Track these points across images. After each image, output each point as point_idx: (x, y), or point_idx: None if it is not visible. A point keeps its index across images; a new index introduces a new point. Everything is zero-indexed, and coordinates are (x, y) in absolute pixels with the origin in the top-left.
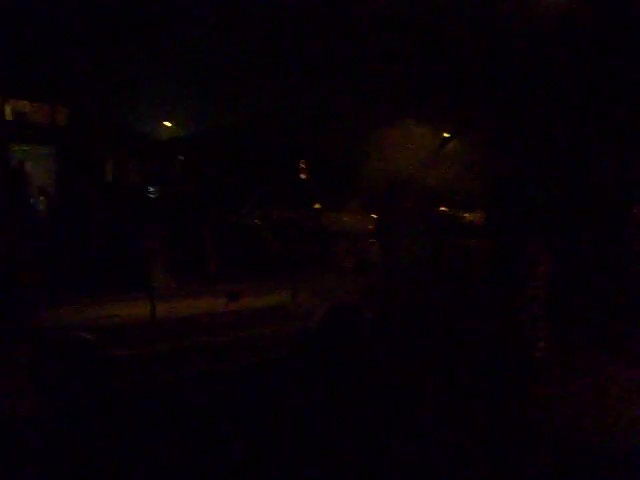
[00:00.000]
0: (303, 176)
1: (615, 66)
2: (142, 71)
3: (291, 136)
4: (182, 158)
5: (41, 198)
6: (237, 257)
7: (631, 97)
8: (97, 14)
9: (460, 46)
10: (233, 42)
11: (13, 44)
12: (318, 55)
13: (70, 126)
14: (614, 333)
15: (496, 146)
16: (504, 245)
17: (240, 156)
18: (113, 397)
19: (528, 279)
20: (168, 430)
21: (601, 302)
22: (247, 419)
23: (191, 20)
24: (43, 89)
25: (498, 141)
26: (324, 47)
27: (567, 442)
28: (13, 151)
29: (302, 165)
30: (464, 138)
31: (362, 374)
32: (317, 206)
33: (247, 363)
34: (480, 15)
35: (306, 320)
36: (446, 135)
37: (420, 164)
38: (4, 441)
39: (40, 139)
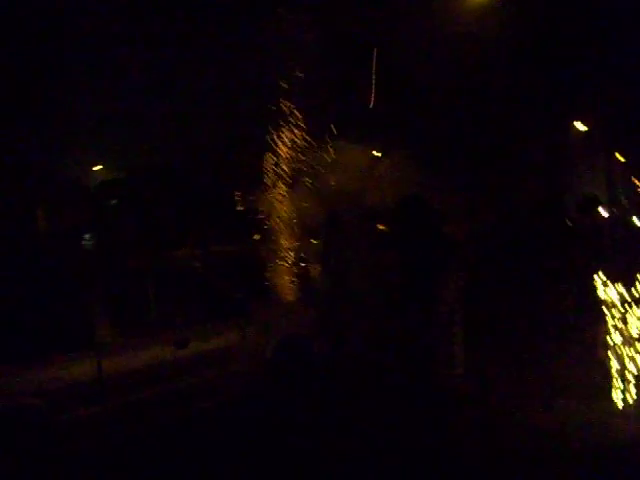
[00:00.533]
0: (240, 207)
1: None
2: (69, 114)
3: (224, 167)
4: (115, 202)
5: None
6: (181, 302)
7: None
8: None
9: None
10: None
11: None
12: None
13: None
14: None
15: (420, 165)
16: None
17: (175, 195)
18: (64, 461)
19: (440, 304)
20: None
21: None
22: (201, 467)
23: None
24: None
25: (422, 161)
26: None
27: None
28: None
29: (237, 197)
30: (394, 157)
31: (315, 407)
32: (256, 237)
33: (200, 408)
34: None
35: (257, 357)
36: (377, 154)
37: (354, 184)
38: None
39: None
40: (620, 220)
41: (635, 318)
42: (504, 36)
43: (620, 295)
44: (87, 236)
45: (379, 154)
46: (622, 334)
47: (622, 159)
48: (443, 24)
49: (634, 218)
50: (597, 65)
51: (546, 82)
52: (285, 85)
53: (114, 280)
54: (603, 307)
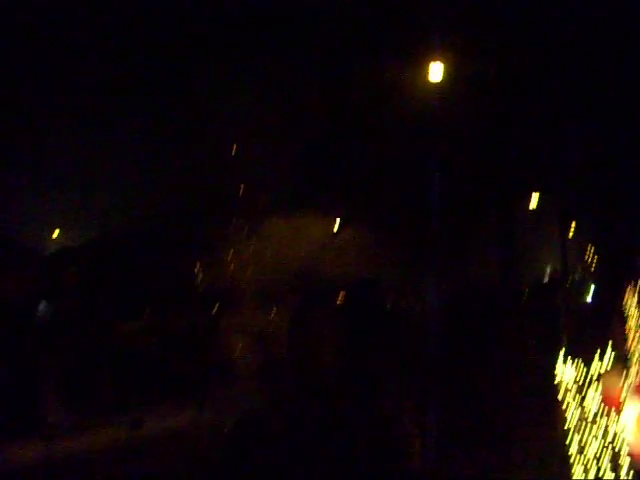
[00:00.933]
0: (199, 277)
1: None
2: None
3: (183, 234)
4: (74, 269)
5: None
6: (136, 381)
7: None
8: None
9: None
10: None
11: None
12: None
13: None
14: None
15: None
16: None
17: (133, 264)
18: None
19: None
20: None
21: None
22: None
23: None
24: None
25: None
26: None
27: None
28: None
29: (196, 267)
30: (355, 226)
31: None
32: (215, 309)
33: None
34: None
35: (213, 438)
36: (337, 224)
37: (315, 254)
38: None
39: None
40: (576, 290)
41: (592, 398)
42: (461, 113)
43: (578, 374)
44: (42, 306)
45: (338, 225)
46: (580, 414)
47: (573, 227)
48: (402, 100)
49: (591, 286)
50: (552, 138)
51: (500, 155)
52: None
53: (67, 355)
54: (561, 387)
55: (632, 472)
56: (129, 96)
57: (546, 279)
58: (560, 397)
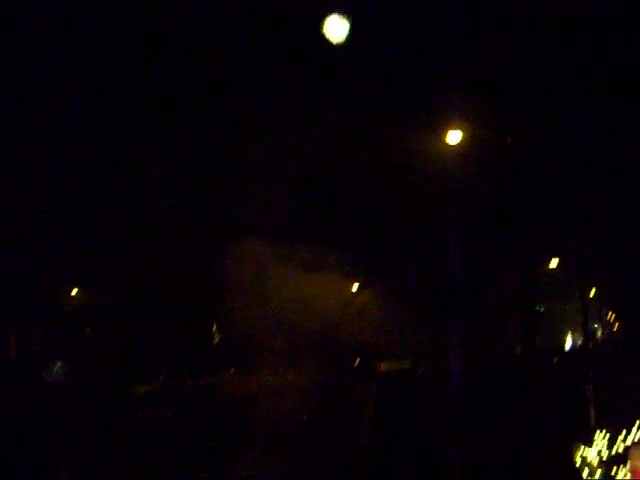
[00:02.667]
0: (216, 339)
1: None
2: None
3: (201, 299)
4: (89, 330)
5: None
6: (153, 455)
7: None
8: None
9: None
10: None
11: None
12: None
13: None
14: None
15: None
16: None
17: (149, 324)
18: None
19: None
20: None
21: None
22: None
23: None
24: None
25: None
26: None
27: None
28: None
29: (214, 328)
30: (373, 291)
31: None
32: (232, 371)
33: None
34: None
35: None
36: (355, 288)
37: (333, 319)
38: None
39: None
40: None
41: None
42: (482, 176)
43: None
44: (59, 364)
45: (356, 289)
46: None
47: (594, 293)
48: (422, 164)
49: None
50: (571, 207)
51: (522, 222)
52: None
53: (81, 425)
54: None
55: None
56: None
57: (569, 345)
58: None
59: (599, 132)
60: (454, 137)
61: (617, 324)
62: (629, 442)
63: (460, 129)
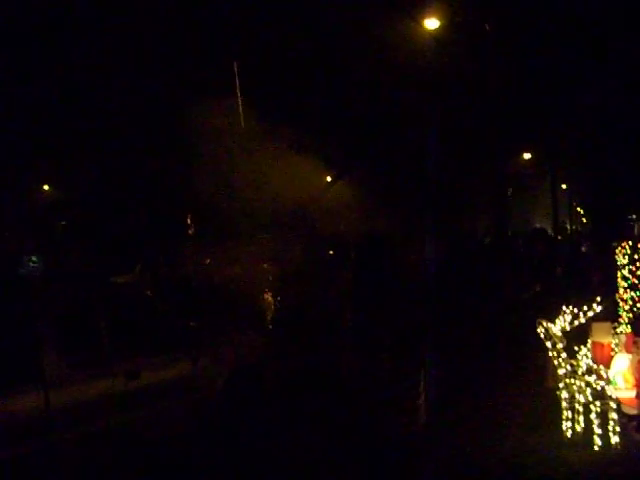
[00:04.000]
0: (190, 231)
1: None
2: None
3: (174, 185)
4: (63, 223)
5: None
6: (132, 332)
7: None
8: None
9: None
10: None
11: None
12: None
13: None
14: None
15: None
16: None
17: (124, 217)
18: None
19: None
20: None
21: None
22: None
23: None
24: None
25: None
26: None
27: None
28: None
29: (187, 219)
30: (347, 182)
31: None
32: (208, 261)
33: (152, 439)
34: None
35: (208, 388)
36: (329, 179)
37: (307, 207)
38: None
39: None
40: (566, 247)
41: (585, 350)
42: (455, 69)
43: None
44: (34, 258)
45: (330, 179)
46: (571, 365)
47: (565, 187)
48: (396, 53)
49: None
50: (544, 100)
51: (495, 115)
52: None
53: (63, 309)
54: (549, 339)
55: (618, 417)
56: None
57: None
58: (550, 346)
59: (581, 18)
60: (432, 24)
61: (585, 219)
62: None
63: (439, 16)
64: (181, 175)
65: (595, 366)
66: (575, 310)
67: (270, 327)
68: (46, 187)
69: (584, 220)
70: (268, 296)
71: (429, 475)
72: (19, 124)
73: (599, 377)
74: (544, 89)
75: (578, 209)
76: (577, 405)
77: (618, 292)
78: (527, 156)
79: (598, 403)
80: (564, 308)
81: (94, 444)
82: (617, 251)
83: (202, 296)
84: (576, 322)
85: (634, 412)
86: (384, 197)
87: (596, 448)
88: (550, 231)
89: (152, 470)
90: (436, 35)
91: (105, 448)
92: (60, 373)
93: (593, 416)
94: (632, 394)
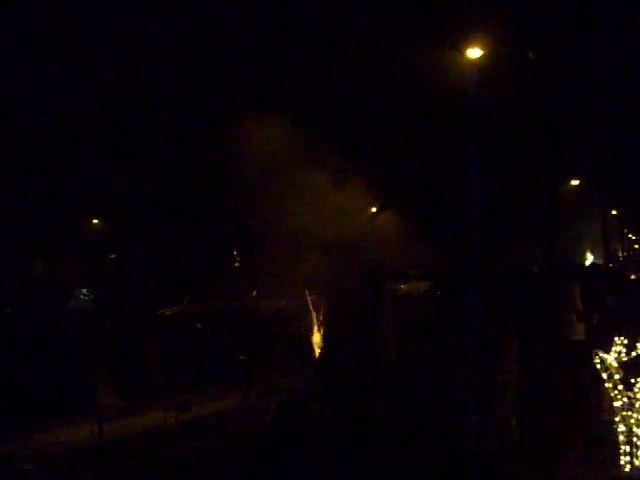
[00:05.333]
0: (236, 264)
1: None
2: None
3: (221, 221)
4: (113, 256)
5: None
6: (183, 364)
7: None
8: None
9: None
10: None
11: None
12: None
13: None
14: None
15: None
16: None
17: (172, 250)
18: None
19: (500, 363)
20: None
21: None
22: None
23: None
24: None
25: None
26: None
27: None
28: None
29: (234, 252)
30: (389, 214)
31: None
32: (254, 293)
33: (201, 471)
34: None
35: (257, 420)
36: (374, 210)
37: (355, 238)
38: None
39: None
40: (618, 273)
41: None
42: (503, 98)
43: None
44: (84, 291)
45: (375, 210)
46: (628, 398)
47: (616, 213)
48: (439, 82)
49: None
50: (591, 125)
51: (543, 143)
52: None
53: (115, 341)
54: (605, 370)
55: None
56: None
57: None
58: (606, 377)
59: (622, 48)
60: (475, 53)
61: (637, 245)
62: None
63: (481, 45)
64: (228, 207)
65: None
66: (627, 341)
67: (319, 360)
68: (95, 221)
69: (636, 246)
70: (316, 328)
71: None
72: (69, 157)
73: None
74: (591, 115)
75: (630, 235)
76: (635, 439)
77: None
78: (575, 182)
79: None
80: (616, 339)
81: (145, 476)
82: None
83: (251, 329)
84: (633, 353)
85: None
86: (428, 229)
87: None
88: (600, 259)
89: None
90: (479, 64)
91: None
92: (113, 405)
93: None
94: None
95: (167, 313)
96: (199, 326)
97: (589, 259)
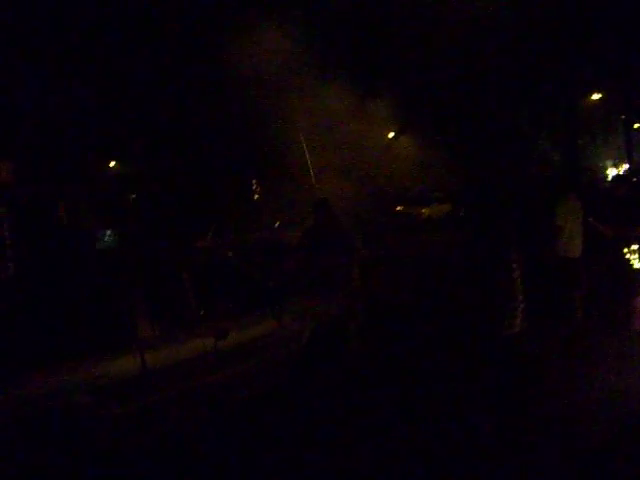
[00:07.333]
0: (256, 196)
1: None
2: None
3: (240, 155)
4: (133, 196)
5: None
6: (217, 294)
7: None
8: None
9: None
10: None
11: None
12: None
13: (17, 179)
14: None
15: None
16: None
17: (191, 186)
18: (110, 457)
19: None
20: None
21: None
22: (245, 462)
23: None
24: None
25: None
26: None
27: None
28: None
29: (254, 185)
30: (407, 138)
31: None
32: (277, 224)
33: (240, 399)
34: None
35: (294, 343)
36: (391, 135)
37: (372, 165)
38: None
39: None
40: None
41: None
42: (524, 13)
43: None
44: (108, 232)
45: (392, 135)
46: None
47: (638, 126)
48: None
49: None
50: (613, 38)
51: (565, 54)
52: None
53: (150, 275)
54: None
55: None
56: None
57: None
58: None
59: None
60: None
61: None
62: None
63: None
64: (245, 131)
65: None
66: None
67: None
68: (112, 164)
69: None
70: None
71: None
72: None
73: None
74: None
75: None
76: None
77: None
78: (596, 96)
79: None
80: None
81: (190, 402)
82: None
83: (278, 258)
84: None
85: None
86: (446, 154)
87: None
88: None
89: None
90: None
91: (201, 405)
92: (152, 336)
93: None
94: None
95: (201, 244)
96: (230, 254)
97: (611, 172)
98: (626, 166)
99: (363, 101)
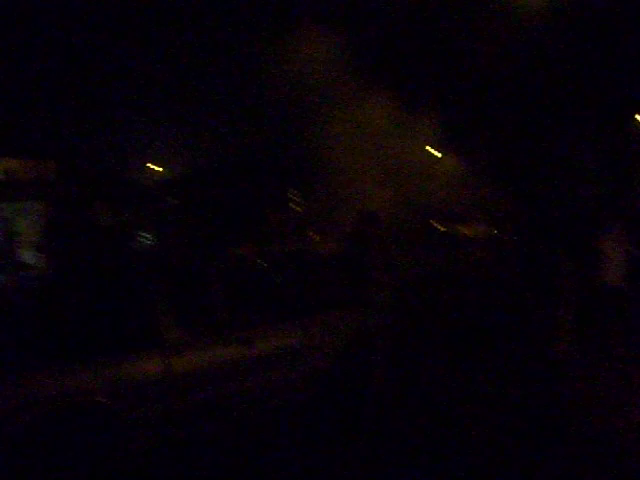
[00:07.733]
0: (295, 206)
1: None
2: (128, 116)
3: (279, 166)
4: (175, 201)
5: (38, 255)
6: (246, 301)
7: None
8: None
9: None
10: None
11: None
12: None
13: (59, 179)
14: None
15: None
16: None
17: (231, 193)
18: (131, 460)
19: (560, 283)
20: None
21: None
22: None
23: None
24: (30, 145)
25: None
26: None
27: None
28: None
29: (292, 195)
30: (454, 158)
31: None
32: (317, 238)
33: (262, 410)
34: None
35: (320, 358)
36: (437, 155)
37: (417, 184)
38: None
39: (30, 195)
40: None
41: None
42: (566, 38)
43: None
44: (147, 235)
45: (439, 155)
46: None
47: None
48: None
49: None
50: None
51: (607, 79)
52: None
53: (179, 278)
54: None
55: None
56: None
57: None
58: None
59: None
60: None
61: None
62: None
63: None
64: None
65: None
66: None
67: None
68: (159, 169)
69: None
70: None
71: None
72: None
73: None
74: None
75: None
76: None
77: None
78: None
79: None
80: None
81: (211, 409)
82: None
83: (311, 269)
84: None
85: None
86: (490, 176)
87: None
88: None
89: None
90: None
91: (222, 414)
92: (178, 339)
93: None
94: None
95: (234, 252)
96: (265, 265)
97: None
98: None
99: (410, 118)
